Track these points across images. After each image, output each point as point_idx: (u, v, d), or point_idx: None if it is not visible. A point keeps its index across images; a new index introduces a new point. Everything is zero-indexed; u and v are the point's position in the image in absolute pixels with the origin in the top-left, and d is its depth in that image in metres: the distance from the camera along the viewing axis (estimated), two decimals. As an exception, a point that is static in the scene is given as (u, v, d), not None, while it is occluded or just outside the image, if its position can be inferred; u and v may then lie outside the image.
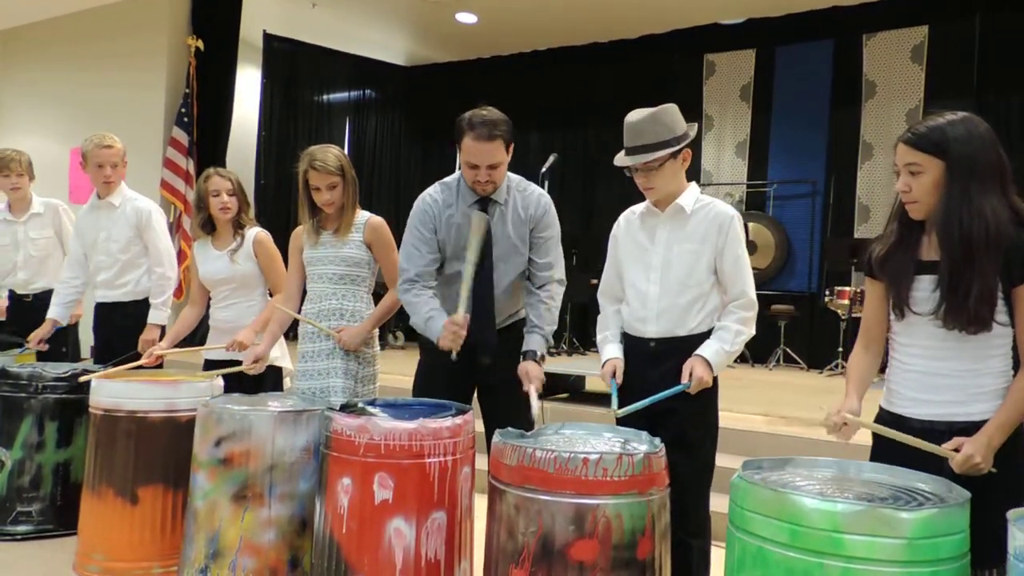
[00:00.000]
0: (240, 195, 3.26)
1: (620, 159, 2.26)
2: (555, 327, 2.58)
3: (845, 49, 7.26)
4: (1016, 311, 1.70)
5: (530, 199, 2.60)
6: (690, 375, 2.16)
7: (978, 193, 1.68)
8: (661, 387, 2.18)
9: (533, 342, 2.52)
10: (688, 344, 2.22)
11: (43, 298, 3.99)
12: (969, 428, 1.71)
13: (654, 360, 2.24)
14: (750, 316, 2.23)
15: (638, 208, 2.38)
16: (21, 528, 3.11)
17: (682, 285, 2.24)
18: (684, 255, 2.24)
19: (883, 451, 1.85)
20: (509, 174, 2.61)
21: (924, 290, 1.77)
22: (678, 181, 2.27)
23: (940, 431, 1.74)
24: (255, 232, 3.27)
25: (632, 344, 2.32)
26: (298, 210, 2.97)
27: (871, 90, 7.17)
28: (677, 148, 2.20)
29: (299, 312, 3.02)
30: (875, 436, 1.90)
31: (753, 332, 2.25)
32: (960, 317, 1.69)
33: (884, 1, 6.84)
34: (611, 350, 2.35)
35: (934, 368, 1.77)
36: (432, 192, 2.61)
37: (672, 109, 2.24)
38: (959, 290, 1.68)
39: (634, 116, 2.23)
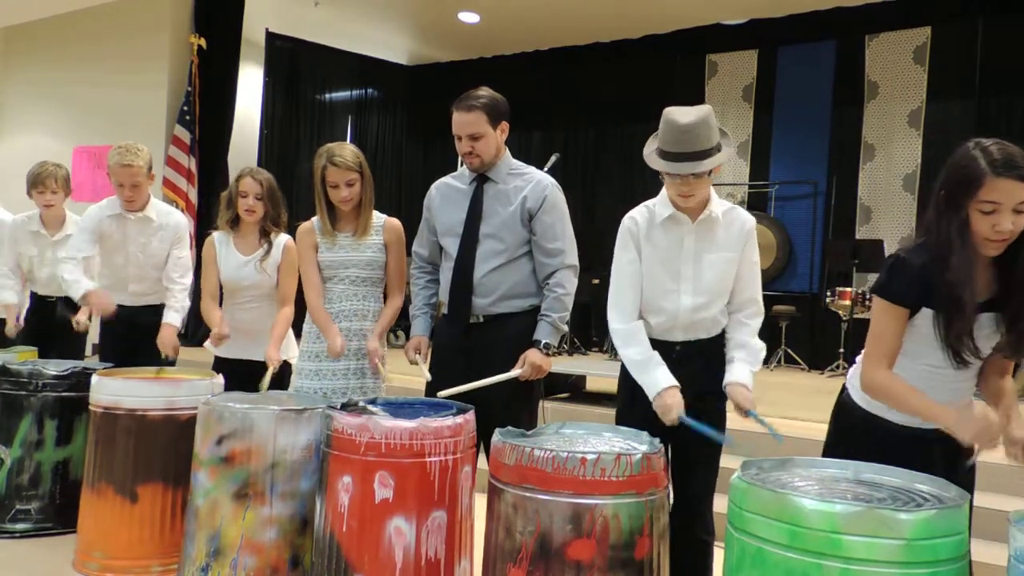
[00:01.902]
0: (268, 200, 3.18)
1: (668, 166, 2.07)
2: (566, 314, 2.58)
3: (847, 50, 7.25)
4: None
5: (528, 181, 2.62)
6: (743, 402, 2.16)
7: None
8: (685, 389, 2.15)
9: (539, 330, 2.56)
10: (710, 345, 2.21)
11: (64, 299, 3.98)
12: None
13: (679, 362, 2.19)
14: (759, 325, 2.25)
15: (657, 213, 2.20)
16: (20, 526, 3.11)
17: (713, 294, 2.19)
18: (717, 263, 2.18)
19: (837, 444, 1.93)
20: (512, 160, 2.66)
21: (983, 328, 1.75)
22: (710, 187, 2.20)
23: (930, 439, 1.80)
24: (285, 240, 3.24)
25: (655, 349, 2.23)
26: (316, 208, 2.92)
27: (873, 91, 7.16)
28: (726, 152, 2.10)
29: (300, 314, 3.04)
30: (830, 429, 1.99)
31: None
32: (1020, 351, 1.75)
33: (886, 2, 6.84)
34: (666, 375, 2.13)
35: (933, 386, 1.80)
36: (445, 177, 2.77)
37: (711, 110, 2.11)
38: (1018, 323, 1.70)
39: (684, 117, 2.04)
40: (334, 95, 8.95)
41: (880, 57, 7.13)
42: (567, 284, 2.58)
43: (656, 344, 2.21)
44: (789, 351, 7.02)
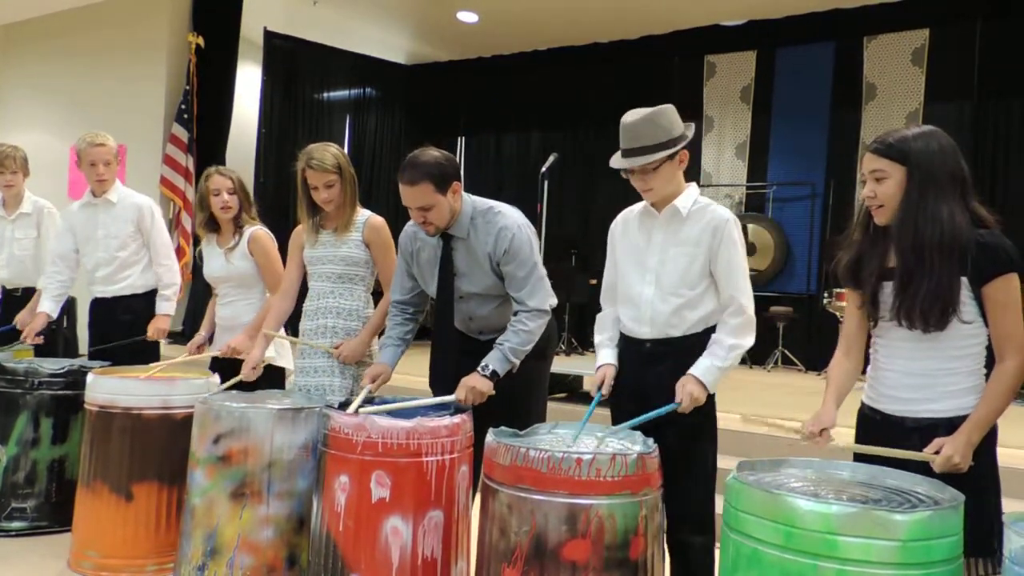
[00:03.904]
0: (242, 194, 3.27)
1: (617, 161, 2.24)
2: (524, 347, 2.47)
3: (846, 51, 7.25)
4: (986, 310, 1.78)
5: (491, 232, 2.51)
6: (683, 394, 2.13)
7: (935, 198, 1.77)
8: (656, 388, 2.17)
9: (488, 357, 2.44)
10: (683, 345, 2.20)
11: (32, 293, 4.01)
12: (936, 424, 1.80)
13: (649, 361, 2.23)
14: (739, 323, 2.17)
15: (636, 208, 2.35)
16: (15, 524, 3.10)
17: (676, 287, 2.22)
18: (679, 257, 2.22)
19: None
20: (476, 202, 2.56)
21: (888, 294, 1.85)
22: (676, 182, 2.24)
23: (909, 427, 1.83)
24: (252, 230, 3.27)
25: (628, 345, 2.31)
26: (296, 209, 2.96)
27: (871, 92, 7.17)
28: (675, 150, 2.17)
29: (299, 310, 3.03)
30: (857, 433, 1.97)
31: (749, 342, 2.19)
32: (911, 316, 1.78)
33: (885, 3, 6.84)
34: (605, 355, 2.34)
35: (906, 367, 1.85)
36: (410, 223, 2.65)
37: (669, 110, 2.21)
38: (909, 290, 1.78)
39: (630, 117, 2.20)
40: (332, 94, 8.93)
41: (878, 59, 7.14)
42: (530, 323, 2.48)
43: (628, 340, 2.30)
44: (786, 352, 7.03)
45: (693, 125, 2.29)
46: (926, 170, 1.79)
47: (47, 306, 3.67)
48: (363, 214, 2.94)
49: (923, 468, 1.74)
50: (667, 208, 2.24)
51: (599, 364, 2.33)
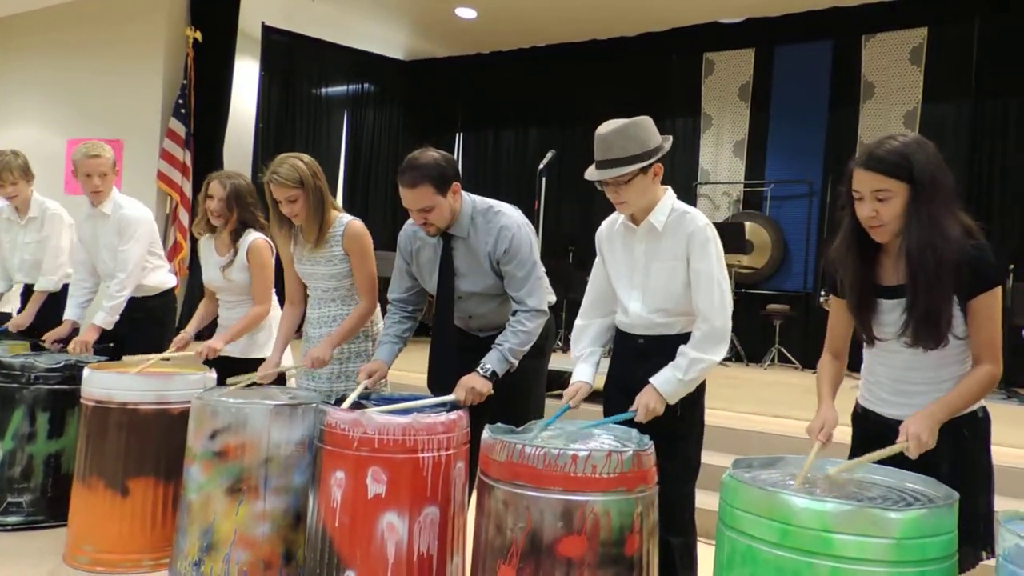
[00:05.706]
0: (228, 205, 3.14)
1: (590, 173, 2.21)
2: (523, 347, 2.46)
3: (844, 50, 7.25)
4: (970, 322, 1.76)
5: (491, 231, 2.50)
6: (639, 404, 2.14)
7: (942, 215, 1.72)
8: (644, 384, 2.17)
9: (487, 357, 2.43)
10: (677, 343, 2.19)
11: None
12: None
13: (642, 357, 2.24)
14: (703, 335, 2.14)
15: (619, 219, 2.32)
16: (11, 519, 3.10)
17: (661, 303, 2.22)
18: (660, 273, 2.21)
19: (859, 450, 1.91)
20: (476, 201, 2.55)
21: (888, 313, 1.82)
22: (650, 195, 2.20)
23: None
24: (252, 240, 3.18)
25: (622, 340, 2.34)
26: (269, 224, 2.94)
27: (869, 91, 7.17)
28: (647, 163, 2.13)
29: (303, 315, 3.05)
30: (853, 434, 2.00)
31: (715, 357, 2.14)
32: (929, 341, 1.75)
33: (883, 2, 6.84)
34: (581, 371, 2.32)
35: (900, 376, 1.86)
36: (409, 223, 2.64)
37: (644, 122, 2.16)
38: (930, 316, 1.72)
39: (604, 128, 2.17)
40: (330, 90, 8.91)
41: (876, 57, 7.14)
42: (529, 323, 2.47)
43: (622, 335, 2.33)
44: (783, 350, 7.04)
45: (670, 137, 2.23)
46: (931, 186, 1.71)
47: (72, 312, 3.67)
48: (341, 221, 2.86)
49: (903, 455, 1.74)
50: (643, 224, 2.22)
51: (574, 380, 2.31)
